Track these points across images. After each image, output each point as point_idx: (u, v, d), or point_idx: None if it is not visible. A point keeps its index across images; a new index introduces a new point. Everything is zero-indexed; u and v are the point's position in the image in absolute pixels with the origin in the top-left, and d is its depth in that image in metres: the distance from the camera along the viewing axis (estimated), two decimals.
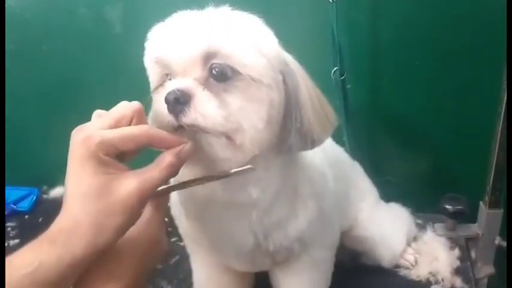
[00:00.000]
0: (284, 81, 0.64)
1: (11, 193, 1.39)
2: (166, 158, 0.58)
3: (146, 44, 0.64)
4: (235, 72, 0.60)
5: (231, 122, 0.59)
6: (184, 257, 0.99)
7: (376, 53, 1.15)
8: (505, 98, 0.98)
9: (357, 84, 1.14)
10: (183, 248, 1.04)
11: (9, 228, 1.31)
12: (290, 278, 0.88)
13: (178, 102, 0.58)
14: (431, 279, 1.05)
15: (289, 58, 0.66)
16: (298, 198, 0.75)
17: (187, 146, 0.59)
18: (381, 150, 1.24)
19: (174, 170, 0.58)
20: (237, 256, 0.81)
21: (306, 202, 0.75)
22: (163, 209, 0.65)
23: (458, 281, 1.04)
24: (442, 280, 1.04)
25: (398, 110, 1.21)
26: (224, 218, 0.73)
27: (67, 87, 1.35)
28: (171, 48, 0.61)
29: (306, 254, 0.84)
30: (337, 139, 1.03)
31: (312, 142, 0.66)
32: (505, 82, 0.97)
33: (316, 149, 0.80)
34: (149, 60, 0.65)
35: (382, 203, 1.13)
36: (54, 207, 1.42)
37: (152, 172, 0.57)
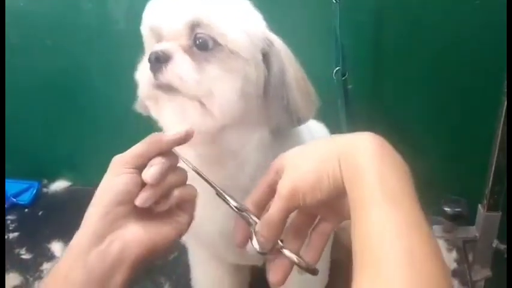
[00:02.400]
0: (268, 61, 0.68)
1: (11, 186, 1.40)
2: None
3: (143, 13, 0.69)
4: (216, 43, 0.64)
5: (203, 87, 0.64)
6: (183, 253, 1.00)
7: (378, 53, 1.15)
8: (505, 101, 0.98)
9: (359, 84, 1.14)
10: (182, 244, 1.05)
11: (8, 222, 1.32)
12: None
13: (158, 60, 0.63)
14: None
15: (275, 39, 0.70)
16: None
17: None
18: None
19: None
20: (223, 244, 0.81)
21: None
22: None
23: (455, 283, 1.04)
24: None
25: (399, 111, 1.21)
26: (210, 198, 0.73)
27: (69, 82, 1.35)
28: (161, 17, 0.66)
29: None
30: None
31: (297, 120, 0.70)
32: (505, 85, 0.98)
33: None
34: (144, 28, 0.70)
35: None
36: (54, 200, 1.43)
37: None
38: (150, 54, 0.63)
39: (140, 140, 0.65)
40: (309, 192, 0.55)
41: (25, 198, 1.41)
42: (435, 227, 1.16)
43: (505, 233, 1.12)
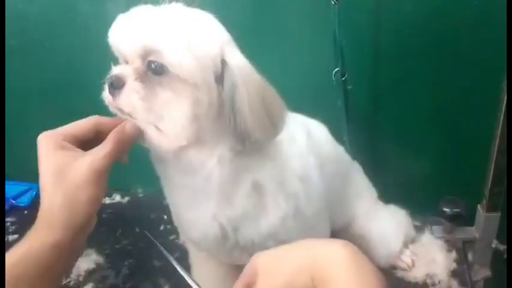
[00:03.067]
0: (218, 82, 0.68)
1: (11, 188, 1.39)
2: (111, 135, 0.67)
3: (109, 31, 0.70)
4: (166, 69, 0.66)
5: (153, 114, 0.67)
6: (183, 255, 1.00)
7: (377, 54, 1.15)
8: (505, 102, 0.98)
9: (358, 85, 1.13)
10: (182, 245, 1.05)
11: (8, 224, 1.31)
12: None
13: (113, 86, 0.68)
14: (428, 281, 1.05)
15: (233, 59, 0.68)
16: (266, 195, 0.77)
17: (129, 123, 0.68)
18: (381, 151, 1.24)
19: (119, 144, 0.67)
20: (210, 247, 0.84)
21: (276, 200, 0.77)
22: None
23: (454, 284, 1.04)
24: (439, 282, 1.04)
25: (399, 111, 1.21)
26: (187, 199, 0.78)
27: (68, 84, 1.35)
28: (120, 40, 0.69)
29: None
30: (338, 139, 1.03)
31: (249, 143, 0.69)
32: (505, 85, 0.98)
33: (306, 153, 0.84)
34: (110, 46, 0.72)
35: (381, 203, 1.13)
36: None
37: (102, 148, 0.67)
38: (107, 78, 0.68)
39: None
40: None
41: (25, 200, 1.40)
42: (434, 227, 1.16)
43: (504, 234, 1.12)
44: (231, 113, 0.67)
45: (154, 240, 0.87)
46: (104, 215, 1.33)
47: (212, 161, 0.73)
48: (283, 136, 0.77)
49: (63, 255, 0.65)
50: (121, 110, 0.69)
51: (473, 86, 1.13)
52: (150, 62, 0.67)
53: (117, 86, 0.67)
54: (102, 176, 0.65)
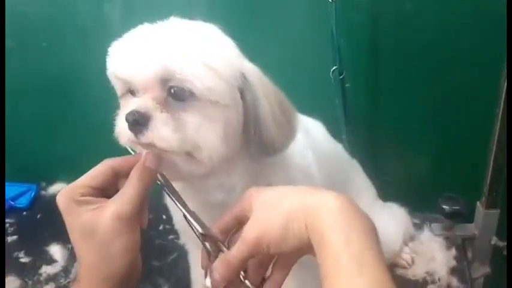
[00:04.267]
0: (242, 97, 0.66)
1: (10, 189, 1.39)
2: (133, 173, 0.62)
3: (107, 60, 0.66)
4: (192, 93, 0.62)
5: (187, 143, 0.63)
6: (182, 255, 1.00)
7: (375, 52, 1.15)
8: (503, 99, 0.98)
9: (356, 83, 1.14)
10: (181, 245, 1.05)
11: (7, 225, 1.31)
12: None
13: (137, 123, 0.61)
14: (428, 278, 1.05)
15: (248, 69, 0.67)
16: None
17: (150, 156, 0.63)
18: (379, 149, 1.24)
19: (145, 181, 0.62)
20: None
21: None
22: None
23: (454, 281, 1.04)
24: (439, 280, 1.04)
25: (397, 109, 1.21)
26: (201, 214, 0.74)
27: (66, 84, 1.35)
28: (129, 68, 0.64)
29: None
30: (336, 137, 1.03)
31: (273, 150, 0.68)
32: (504, 83, 0.98)
33: (303, 147, 0.83)
34: (111, 76, 0.68)
35: (380, 201, 1.14)
36: (53, 204, 1.42)
37: (126, 190, 0.61)
38: (128, 115, 0.61)
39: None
40: (273, 245, 0.56)
41: (23, 201, 1.40)
42: (434, 225, 1.16)
43: (504, 231, 1.12)
44: (256, 125, 0.66)
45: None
46: None
47: (237, 174, 0.72)
48: None
49: None
50: (149, 146, 0.63)
51: (472, 83, 1.13)
52: (171, 88, 0.63)
53: (142, 122, 0.61)
54: (130, 221, 0.60)
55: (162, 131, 0.61)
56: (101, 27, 1.26)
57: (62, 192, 0.62)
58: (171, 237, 1.18)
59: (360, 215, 0.55)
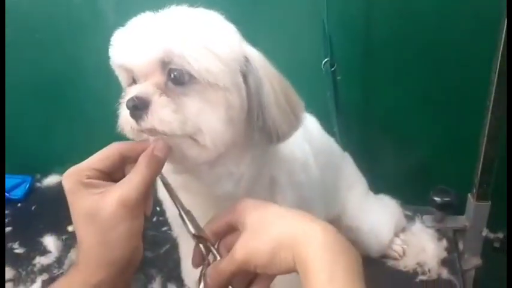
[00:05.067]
0: (245, 81, 0.65)
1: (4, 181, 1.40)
2: (141, 160, 0.61)
3: (110, 50, 0.66)
4: (191, 76, 0.62)
5: (189, 126, 0.63)
6: (175, 246, 1.00)
7: (367, 44, 1.15)
8: (493, 93, 0.99)
9: (348, 75, 1.14)
10: (174, 237, 1.05)
11: None
12: None
13: (137, 108, 0.61)
14: (418, 270, 1.06)
15: (252, 54, 0.66)
16: (276, 187, 0.76)
17: (159, 144, 0.62)
18: (371, 142, 1.25)
19: (153, 169, 0.61)
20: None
21: (284, 191, 0.77)
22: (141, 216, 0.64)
23: (444, 272, 1.05)
24: (429, 271, 1.05)
25: (389, 102, 1.21)
26: (204, 206, 0.74)
27: (62, 78, 1.35)
28: (130, 55, 0.64)
29: None
30: (328, 130, 1.03)
31: (277, 138, 0.68)
32: (495, 77, 0.98)
33: (301, 140, 0.83)
34: (114, 65, 0.68)
35: (371, 194, 1.14)
36: (47, 195, 1.43)
37: (132, 177, 0.60)
38: (127, 102, 0.62)
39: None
40: (260, 267, 0.58)
41: (18, 193, 1.41)
42: (425, 216, 1.17)
43: (494, 222, 1.13)
44: (259, 110, 0.65)
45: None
46: None
47: (244, 164, 0.71)
48: None
49: None
50: (152, 131, 0.63)
51: (464, 76, 1.13)
52: (170, 72, 0.63)
53: (142, 107, 0.61)
54: (134, 208, 0.59)
55: (162, 114, 0.61)
56: (96, 20, 1.26)
57: (69, 173, 0.61)
58: (164, 228, 1.19)
59: (345, 248, 0.56)
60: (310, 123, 0.95)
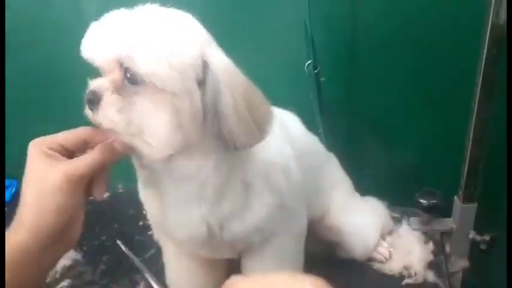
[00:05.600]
0: (202, 88, 0.65)
1: None
2: (98, 146, 0.68)
3: (82, 42, 0.67)
4: (142, 78, 0.63)
5: (133, 127, 0.65)
6: (160, 251, 1.00)
7: (350, 45, 1.14)
8: (478, 94, 0.98)
9: (332, 77, 1.13)
10: (158, 242, 1.05)
11: None
12: (257, 267, 0.89)
13: (91, 102, 0.65)
14: (405, 273, 1.05)
15: (215, 61, 0.65)
16: (252, 192, 0.76)
17: (117, 140, 0.67)
18: (357, 143, 1.24)
19: (104, 156, 0.67)
20: (192, 245, 0.83)
21: (261, 195, 0.77)
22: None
23: (430, 275, 1.03)
24: (415, 274, 1.03)
25: (374, 103, 1.20)
26: (176, 204, 0.76)
27: (47, 80, 1.34)
28: (93, 50, 0.65)
29: (269, 245, 0.85)
30: (313, 131, 1.03)
31: (234, 147, 0.67)
32: (479, 79, 0.98)
33: (282, 144, 0.83)
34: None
35: (357, 195, 1.13)
36: None
37: (83, 159, 0.67)
38: (86, 94, 0.65)
39: None
40: None
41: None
42: (412, 219, 1.16)
43: (482, 224, 1.12)
44: (214, 118, 0.65)
45: (128, 252, 0.96)
46: None
47: (209, 166, 0.71)
48: None
49: (28, 264, 0.64)
50: (101, 126, 0.66)
51: (449, 78, 1.13)
52: (126, 71, 0.64)
53: (94, 101, 0.65)
54: (74, 185, 0.65)
55: (108, 112, 0.64)
56: (80, 21, 1.24)
57: (36, 141, 0.68)
58: (149, 233, 1.18)
59: None
60: (293, 124, 0.95)
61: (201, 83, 0.65)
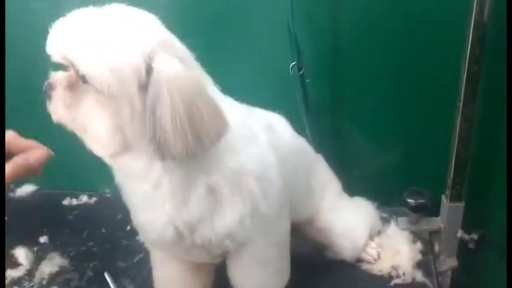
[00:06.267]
0: (144, 92, 0.65)
1: None
2: (14, 159, 0.72)
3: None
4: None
5: (77, 124, 0.69)
6: (147, 256, 0.99)
7: (335, 46, 1.14)
8: (463, 91, 0.99)
9: (318, 78, 1.13)
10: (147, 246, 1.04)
11: None
12: (240, 273, 0.90)
13: (45, 94, 0.70)
14: (393, 273, 1.04)
15: (161, 65, 0.64)
16: (221, 197, 0.75)
17: (39, 154, 0.74)
18: (344, 144, 1.24)
19: (19, 172, 0.71)
20: (164, 246, 0.84)
21: (233, 202, 0.76)
22: None
23: (419, 275, 1.03)
24: (403, 274, 1.03)
25: (360, 103, 1.20)
26: (140, 203, 0.78)
27: (30, 84, 1.32)
28: (51, 45, 0.67)
29: (247, 251, 0.85)
30: (300, 132, 1.02)
31: (170, 156, 0.66)
32: (464, 76, 0.98)
33: (264, 150, 0.82)
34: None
35: (345, 196, 1.12)
36: (20, 206, 1.41)
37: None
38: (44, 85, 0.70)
39: None
40: None
41: None
42: (400, 219, 1.16)
43: (469, 223, 1.12)
44: (150, 123, 0.64)
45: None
46: (70, 217, 1.32)
47: (157, 169, 0.71)
48: (240, 135, 0.76)
49: None
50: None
51: (435, 76, 1.13)
52: (77, 70, 0.65)
53: (48, 93, 0.70)
54: None
55: (56, 105, 0.69)
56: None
57: None
58: (137, 237, 1.17)
59: None
60: (280, 126, 0.94)
61: (144, 87, 0.65)
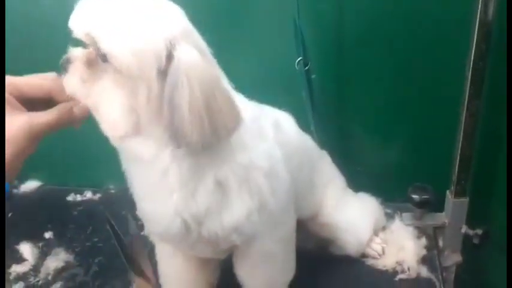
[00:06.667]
0: (162, 78, 0.65)
1: None
2: (59, 106, 0.70)
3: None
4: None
5: (90, 100, 0.69)
6: (153, 250, 0.99)
7: (341, 42, 1.14)
8: (468, 88, 0.99)
9: (323, 74, 1.13)
10: (152, 242, 1.04)
11: None
12: (246, 268, 0.90)
13: (62, 67, 0.70)
14: (398, 268, 1.05)
15: (181, 54, 0.64)
16: (229, 192, 0.75)
17: (79, 105, 0.70)
18: (349, 140, 1.24)
19: (62, 120, 0.69)
20: (169, 238, 0.84)
21: (241, 197, 0.76)
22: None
23: (424, 270, 1.04)
24: (408, 269, 1.04)
25: (365, 100, 1.20)
26: (147, 191, 0.77)
27: None
28: (74, 22, 0.67)
29: (253, 247, 0.85)
30: (305, 129, 1.02)
31: (185, 144, 0.66)
32: (469, 72, 0.98)
33: (271, 146, 0.82)
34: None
35: (350, 191, 1.13)
36: (24, 202, 1.41)
37: (43, 115, 0.68)
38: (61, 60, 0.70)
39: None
40: None
41: None
42: (404, 214, 1.16)
43: (473, 219, 1.13)
44: (169, 110, 0.64)
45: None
46: (75, 213, 1.32)
47: (166, 157, 0.71)
48: (252, 131, 0.76)
49: None
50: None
51: (438, 72, 1.13)
52: (97, 48, 0.66)
53: (65, 66, 0.69)
54: (30, 140, 0.67)
55: (71, 79, 0.69)
56: (65, 20, 1.24)
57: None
58: (142, 233, 1.17)
59: None
60: (287, 123, 0.94)
61: (164, 73, 0.65)
